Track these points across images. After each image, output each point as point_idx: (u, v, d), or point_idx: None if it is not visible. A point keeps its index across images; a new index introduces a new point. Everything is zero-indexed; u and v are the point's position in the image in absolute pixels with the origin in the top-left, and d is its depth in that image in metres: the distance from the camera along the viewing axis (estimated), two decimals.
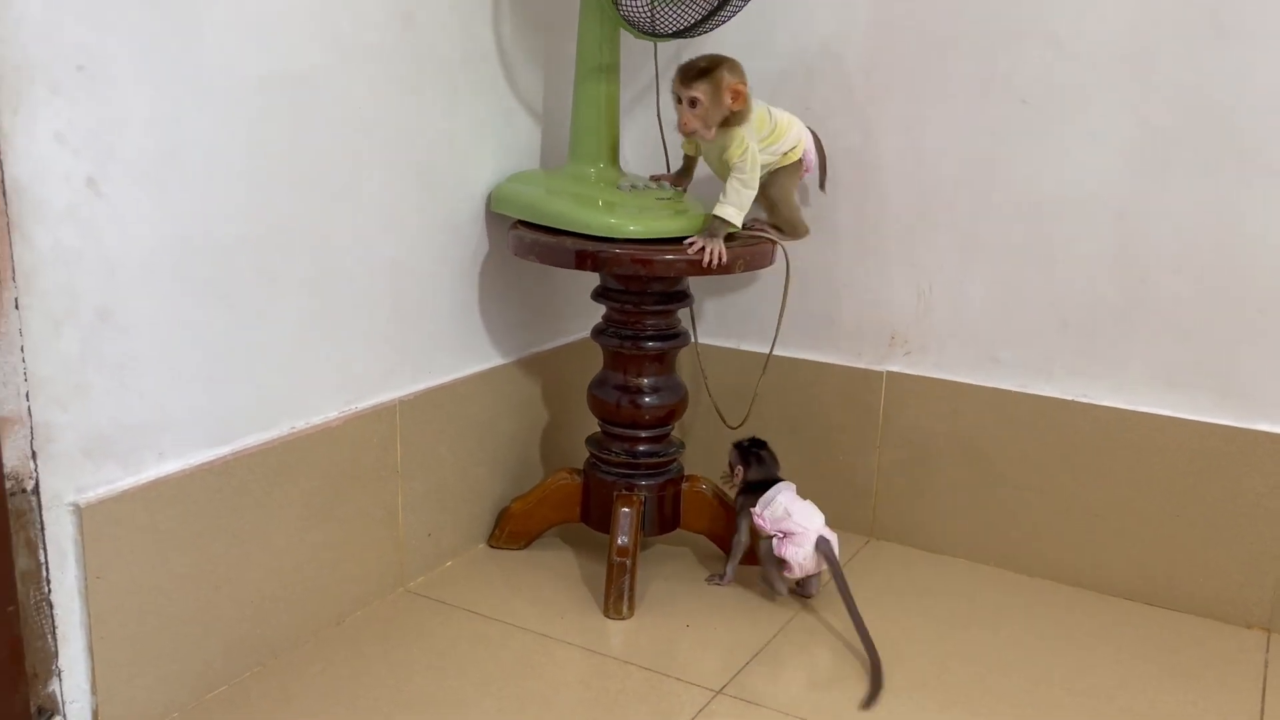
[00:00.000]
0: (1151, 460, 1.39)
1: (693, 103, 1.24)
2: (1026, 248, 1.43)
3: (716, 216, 1.27)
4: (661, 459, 1.44)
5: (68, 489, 0.97)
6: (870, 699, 1.18)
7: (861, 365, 1.57)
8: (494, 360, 1.52)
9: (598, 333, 1.43)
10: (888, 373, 1.55)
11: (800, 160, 1.35)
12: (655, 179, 1.41)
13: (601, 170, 1.41)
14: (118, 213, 0.98)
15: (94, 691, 1.02)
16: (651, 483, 1.44)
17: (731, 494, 1.45)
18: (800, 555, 1.32)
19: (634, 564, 1.36)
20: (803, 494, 1.38)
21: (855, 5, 1.47)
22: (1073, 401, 1.43)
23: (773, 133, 1.31)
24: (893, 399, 1.55)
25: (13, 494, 0.91)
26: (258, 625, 1.18)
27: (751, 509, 1.37)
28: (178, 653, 1.09)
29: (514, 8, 1.42)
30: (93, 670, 1.01)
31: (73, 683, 1.00)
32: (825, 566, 1.34)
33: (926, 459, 1.54)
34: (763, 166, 1.30)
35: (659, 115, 1.51)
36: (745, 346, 1.65)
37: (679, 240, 1.29)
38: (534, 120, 1.51)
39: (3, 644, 0.90)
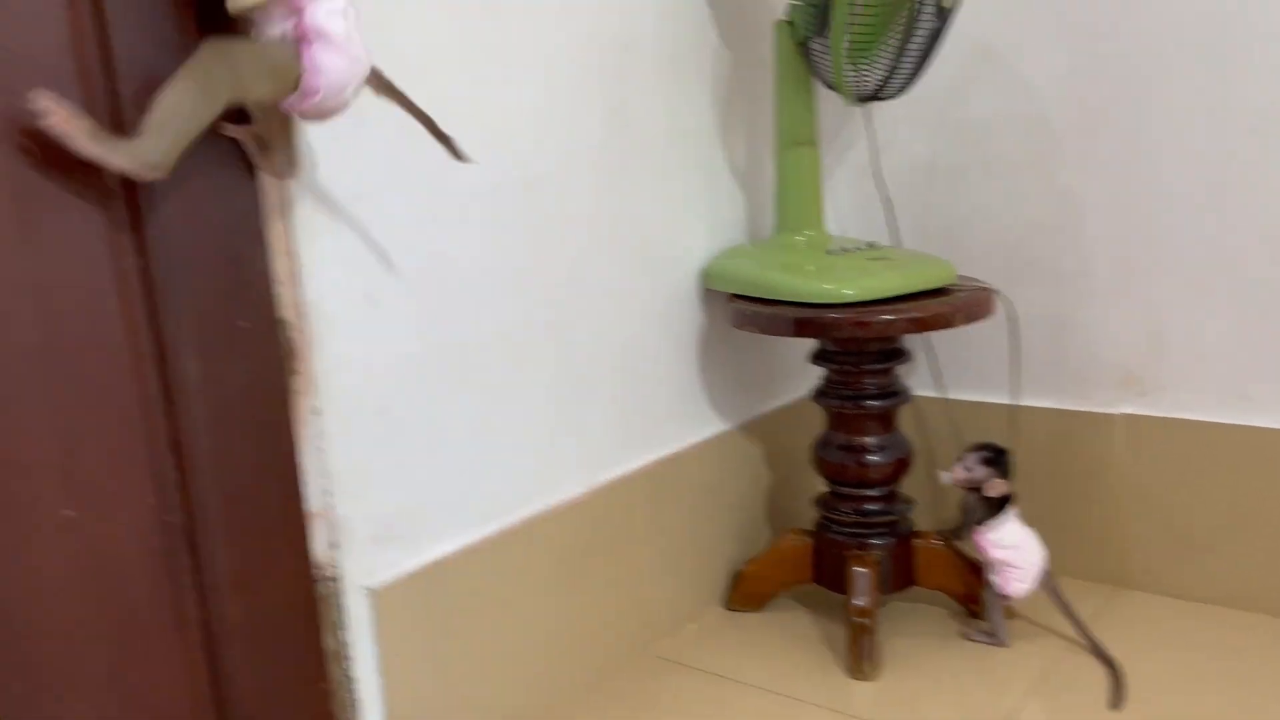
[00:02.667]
0: None
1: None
2: (1270, 279, 1.36)
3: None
4: (891, 516, 1.45)
5: (361, 574, 1.08)
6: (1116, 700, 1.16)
7: (1093, 409, 1.53)
8: (718, 427, 1.57)
9: (819, 395, 1.45)
10: (1122, 415, 1.51)
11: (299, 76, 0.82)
12: None
13: (810, 237, 1.45)
14: (391, 322, 1.09)
15: None
16: (883, 541, 1.44)
17: (961, 498, 1.41)
18: (1024, 592, 1.31)
19: (874, 625, 1.37)
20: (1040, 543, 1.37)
21: (1056, 48, 1.46)
22: None
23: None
24: (1129, 442, 1.50)
25: (318, 581, 1.02)
26: (523, 691, 1.26)
27: (976, 526, 1.36)
28: (455, 708, 1.18)
29: (714, 83, 1.49)
30: None
31: None
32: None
33: (1172, 502, 1.48)
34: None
35: (874, 173, 1.54)
36: (964, 396, 1.63)
37: (896, 300, 1.31)
38: (739, 191, 1.56)
39: (318, 712, 1.00)
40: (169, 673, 0.88)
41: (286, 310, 0.97)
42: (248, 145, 0.90)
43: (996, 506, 1.37)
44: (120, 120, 0.80)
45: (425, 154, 1.09)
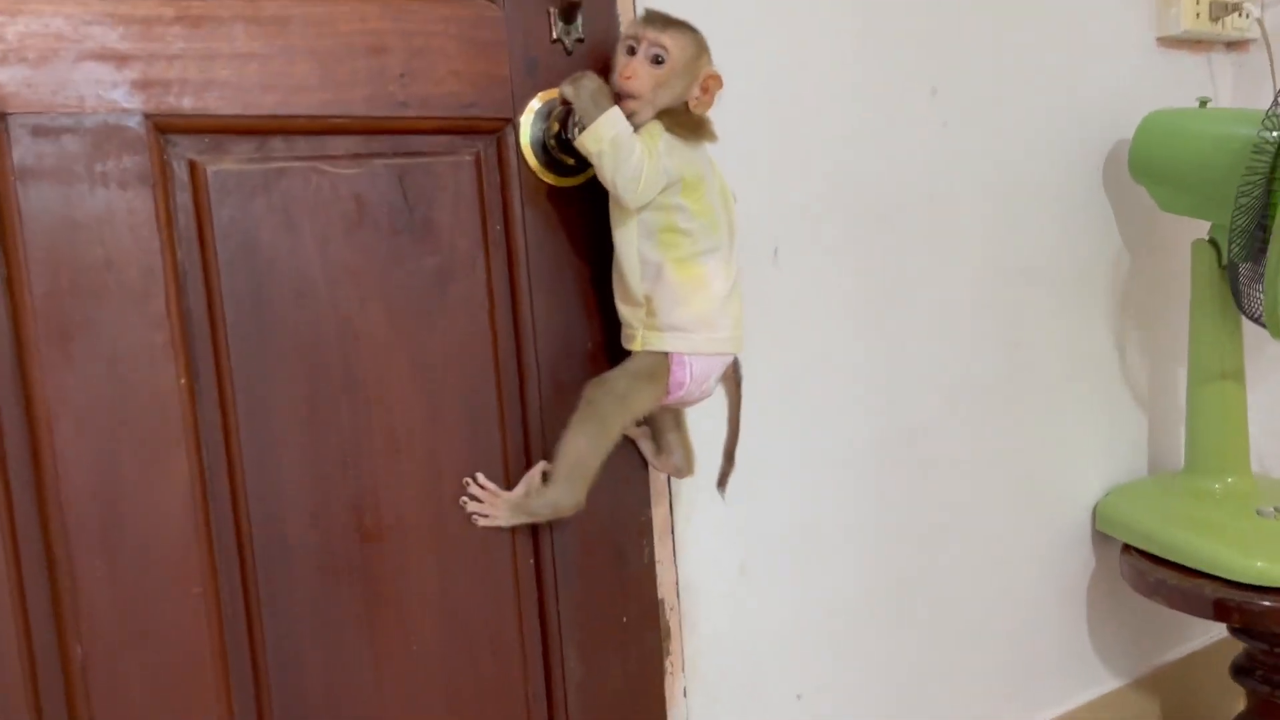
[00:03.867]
0: None
1: (657, 59, 0.79)
2: None
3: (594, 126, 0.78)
4: None
5: None
6: None
7: None
8: (1111, 683, 1.38)
9: (1238, 671, 1.24)
10: None
11: (668, 375, 0.81)
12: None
13: (1230, 485, 1.26)
14: (762, 590, 1.05)
15: None
16: None
17: None
18: None
19: None
20: None
21: None
22: None
23: (680, 239, 0.80)
24: None
25: None
26: None
27: None
28: None
29: (1119, 304, 1.35)
30: None
31: None
32: None
33: None
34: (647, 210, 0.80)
35: None
36: None
37: None
38: (1142, 417, 1.40)
39: None
40: None
41: (664, 591, 0.96)
42: (644, 445, 0.91)
43: None
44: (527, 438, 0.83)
45: (800, 408, 1.06)
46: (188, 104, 0.69)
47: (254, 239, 0.72)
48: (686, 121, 0.81)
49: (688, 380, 0.82)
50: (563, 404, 0.83)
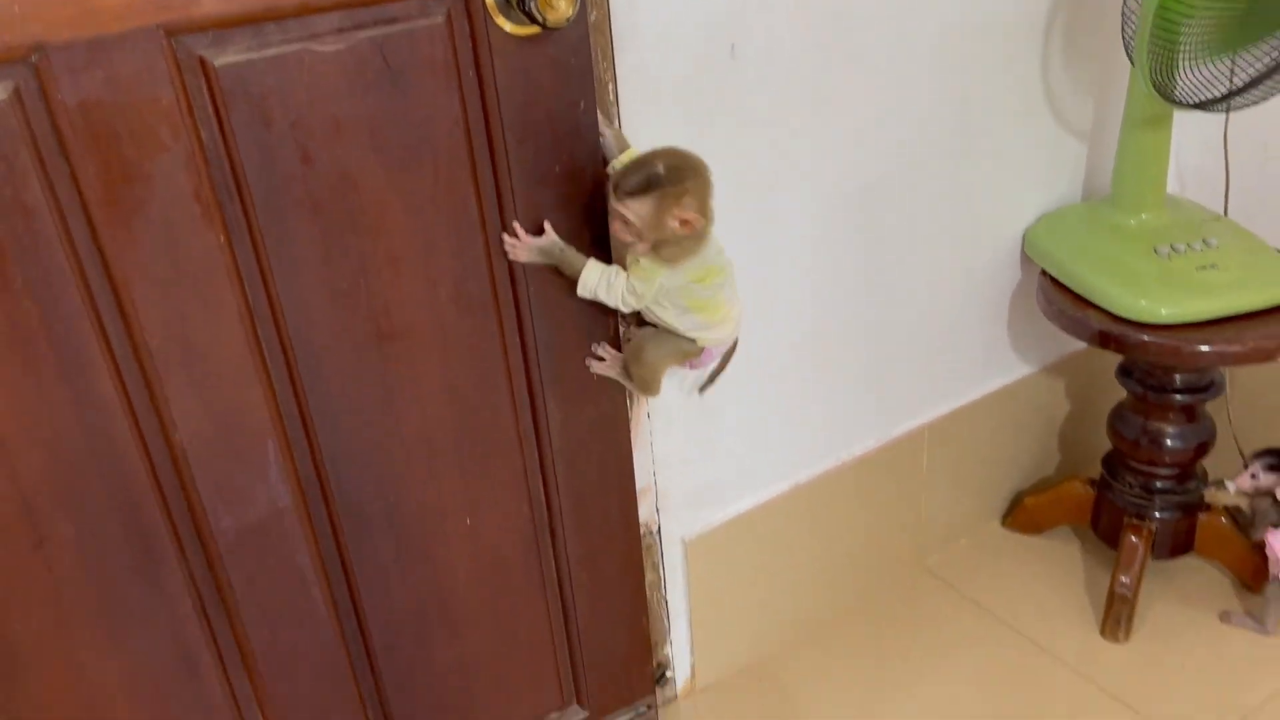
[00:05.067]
0: None
1: (623, 220, 0.95)
2: None
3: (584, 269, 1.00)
4: (1178, 496, 1.49)
5: (678, 530, 1.35)
6: None
7: None
8: (1020, 372, 1.63)
9: (1122, 372, 1.48)
10: None
11: (700, 353, 1.09)
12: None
13: (1144, 222, 1.41)
14: None
15: (692, 653, 1.44)
16: (1166, 516, 1.51)
17: (1247, 505, 1.45)
18: None
19: (1135, 596, 1.48)
20: None
21: None
22: None
23: (703, 302, 1.03)
24: None
25: (644, 535, 1.30)
26: (803, 608, 1.53)
27: (1271, 527, 1.40)
28: (746, 629, 1.48)
29: (1066, 46, 1.42)
30: (691, 640, 1.43)
31: (679, 648, 1.42)
32: None
33: None
34: (666, 305, 1.02)
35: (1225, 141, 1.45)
36: None
37: (1216, 322, 1.29)
38: (1081, 149, 1.52)
39: (637, 631, 1.31)
40: (535, 618, 1.21)
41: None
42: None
43: None
44: None
45: (762, 175, 1.22)
46: (194, 11, 0.80)
47: (261, 116, 0.85)
48: (677, 250, 0.97)
49: (708, 359, 1.12)
50: (537, 217, 0.99)
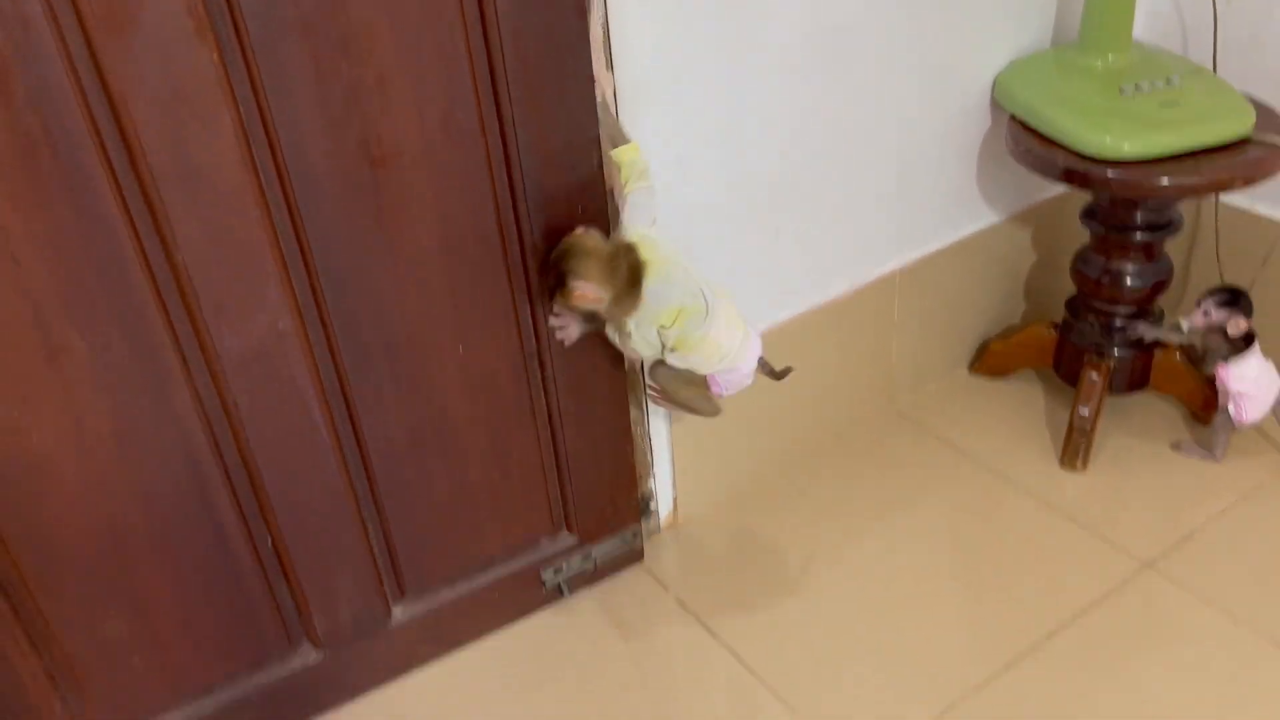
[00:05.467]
0: None
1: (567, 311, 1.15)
2: None
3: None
4: (1137, 334, 1.56)
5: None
6: None
7: None
8: (989, 220, 1.68)
9: (1086, 214, 1.53)
10: None
11: (705, 380, 1.23)
12: None
13: (1110, 63, 1.45)
14: (696, 177, 1.30)
15: (674, 486, 1.51)
16: (1124, 353, 1.58)
17: (1199, 341, 1.52)
18: (1258, 419, 1.47)
19: (1093, 428, 1.56)
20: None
21: None
22: None
23: (681, 340, 1.14)
24: None
25: (628, 369, 1.36)
26: (780, 446, 1.60)
27: (1223, 363, 1.48)
28: (726, 464, 1.55)
29: None
30: (674, 474, 1.50)
31: (661, 482, 1.50)
32: None
33: None
34: (662, 349, 1.16)
35: None
36: (1260, 210, 1.63)
37: (1177, 157, 1.34)
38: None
39: (625, 464, 1.38)
40: (526, 445, 1.27)
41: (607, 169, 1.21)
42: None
43: (1240, 344, 1.46)
44: None
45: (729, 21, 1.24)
46: None
47: None
48: (617, 309, 1.10)
49: (724, 388, 1.24)
50: (523, 47, 1.01)
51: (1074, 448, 1.57)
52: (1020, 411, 1.70)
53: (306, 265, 1.02)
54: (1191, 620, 1.32)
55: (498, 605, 1.38)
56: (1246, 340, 1.47)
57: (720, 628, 1.37)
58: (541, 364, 1.24)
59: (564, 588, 1.41)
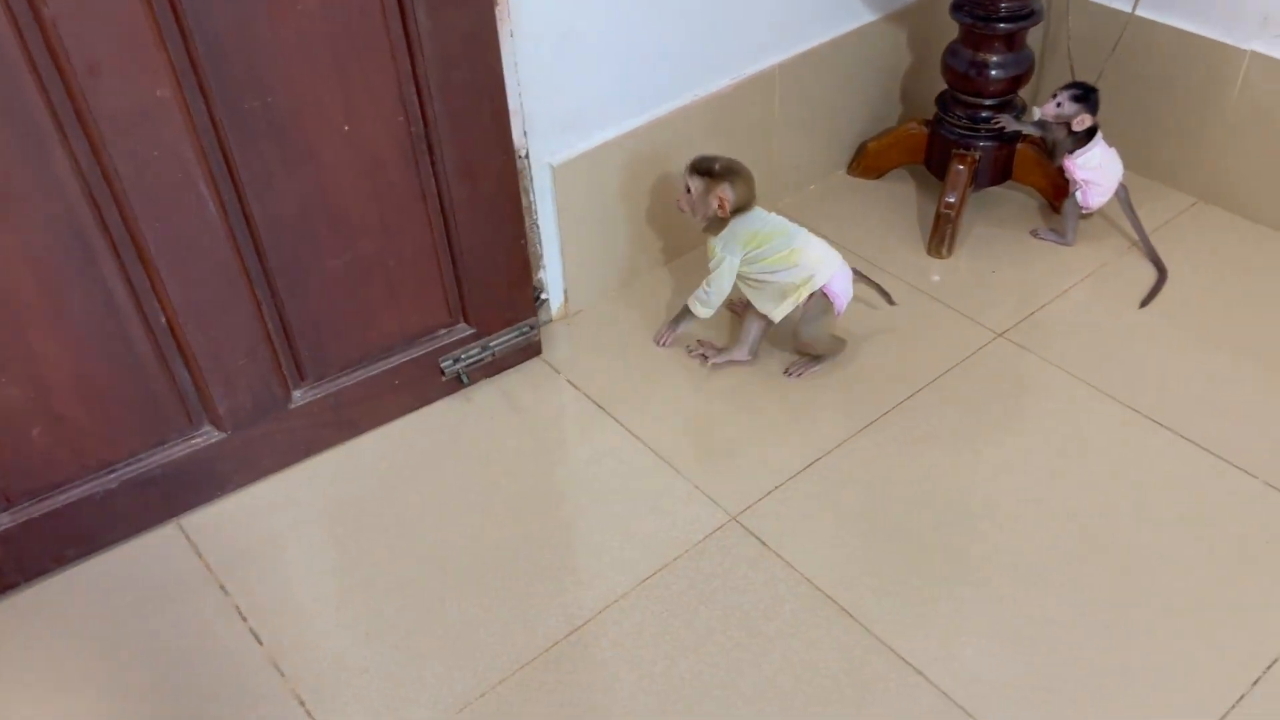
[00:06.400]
0: None
1: (686, 189, 1.39)
2: None
3: (686, 306, 1.47)
4: (1000, 125, 1.65)
5: (545, 153, 1.43)
6: (1147, 299, 1.54)
7: (1228, 41, 1.61)
8: (866, 18, 1.73)
9: (954, 7, 1.59)
10: (1251, 52, 1.59)
11: (820, 294, 1.40)
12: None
13: None
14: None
15: (564, 277, 1.56)
16: (989, 144, 1.67)
17: (1048, 134, 1.62)
18: (1101, 204, 1.60)
19: (958, 216, 1.65)
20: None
21: None
22: None
23: (762, 255, 1.38)
24: (1251, 78, 1.60)
25: (519, 159, 1.38)
26: (665, 239, 1.66)
27: (1068, 154, 1.58)
28: (614, 254, 1.60)
29: None
30: (564, 264, 1.55)
31: (551, 272, 1.55)
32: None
33: (1269, 138, 1.61)
34: (753, 280, 1.41)
35: None
36: (1113, 3, 1.71)
37: None
38: None
39: (518, 255, 1.42)
40: (418, 230, 1.30)
41: None
42: None
43: (1085, 137, 1.56)
44: None
45: None
46: None
47: None
48: (719, 223, 1.39)
49: (839, 301, 1.41)
50: None
51: (940, 235, 1.67)
52: (895, 207, 1.79)
53: (180, 26, 1.01)
54: (1036, 377, 1.46)
55: (399, 392, 1.42)
56: (1089, 134, 1.57)
57: (610, 404, 1.45)
58: (430, 147, 1.25)
59: (463, 377, 1.46)
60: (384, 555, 1.27)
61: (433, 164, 1.27)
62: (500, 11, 1.26)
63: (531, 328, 1.51)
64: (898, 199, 1.81)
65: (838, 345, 1.48)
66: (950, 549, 1.24)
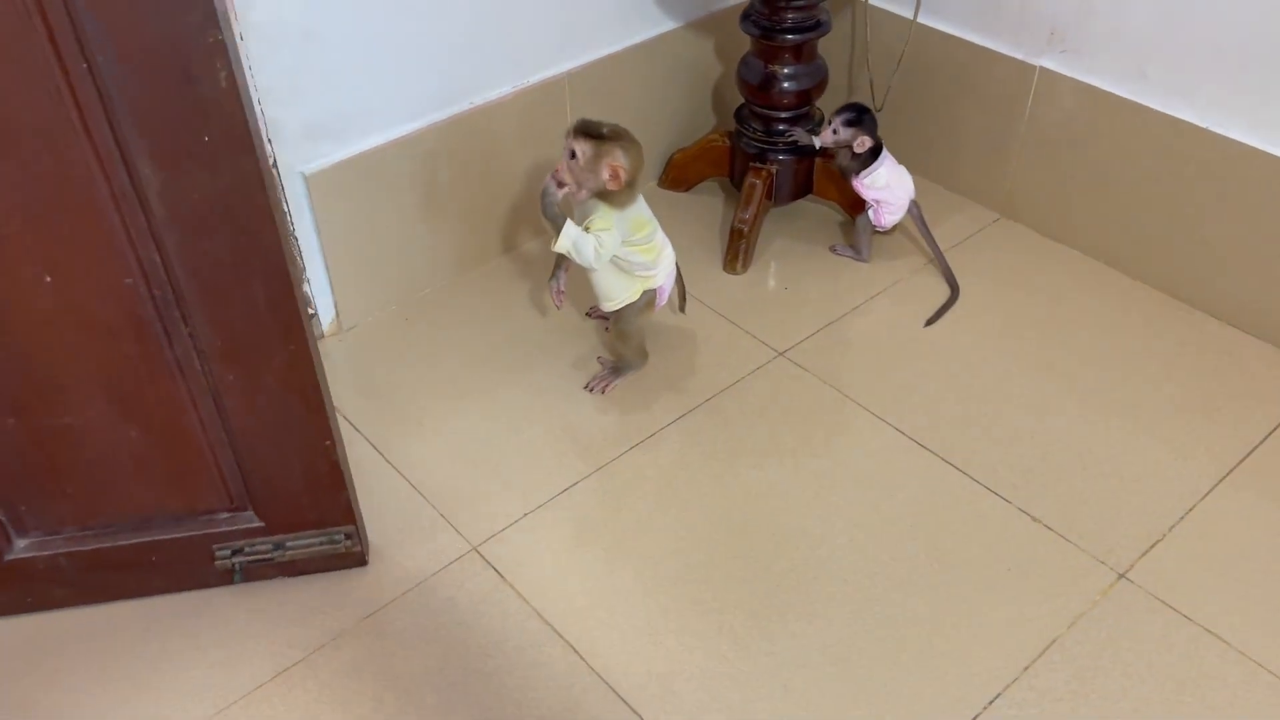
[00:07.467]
0: (1273, 202, 1.40)
1: (572, 154, 1.22)
2: None
3: (560, 255, 1.31)
4: (794, 138, 1.61)
5: (297, 162, 1.36)
6: (934, 318, 1.53)
7: (1018, 56, 1.60)
8: (666, 25, 1.68)
9: (744, 18, 1.55)
10: (1040, 67, 1.58)
11: (654, 293, 1.38)
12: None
13: None
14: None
15: (333, 291, 1.49)
16: (787, 158, 1.63)
17: (836, 158, 1.59)
18: (893, 223, 1.58)
19: (752, 232, 1.62)
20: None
21: None
22: (1207, 131, 1.43)
23: (641, 244, 1.31)
24: (1041, 93, 1.59)
25: (276, 185, 1.30)
26: (447, 253, 1.59)
27: (855, 175, 1.56)
28: (387, 269, 1.53)
29: None
30: (330, 278, 1.47)
31: (318, 286, 1.47)
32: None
33: (1063, 156, 1.60)
34: (622, 261, 1.32)
35: None
36: (895, 10, 1.69)
37: None
38: None
39: (322, 457, 1.13)
40: (170, 406, 1.17)
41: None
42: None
43: (870, 156, 1.54)
44: None
45: None
46: None
47: None
48: (613, 197, 1.24)
49: (663, 295, 1.38)
50: None
51: (734, 251, 1.63)
52: (699, 220, 1.75)
53: None
54: (808, 396, 1.42)
55: (158, 570, 1.21)
56: (874, 153, 1.54)
57: (381, 442, 1.38)
58: (185, 319, 0.99)
59: (237, 572, 1.20)
60: None
61: (192, 339, 1.02)
62: (227, 13, 1.18)
63: (348, 536, 1.21)
64: (704, 211, 1.77)
65: (642, 356, 1.44)
66: (692, 579, 1.19)
